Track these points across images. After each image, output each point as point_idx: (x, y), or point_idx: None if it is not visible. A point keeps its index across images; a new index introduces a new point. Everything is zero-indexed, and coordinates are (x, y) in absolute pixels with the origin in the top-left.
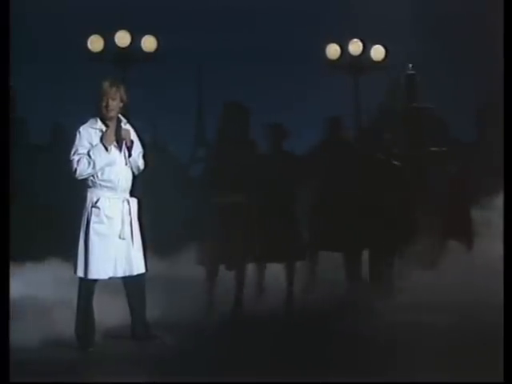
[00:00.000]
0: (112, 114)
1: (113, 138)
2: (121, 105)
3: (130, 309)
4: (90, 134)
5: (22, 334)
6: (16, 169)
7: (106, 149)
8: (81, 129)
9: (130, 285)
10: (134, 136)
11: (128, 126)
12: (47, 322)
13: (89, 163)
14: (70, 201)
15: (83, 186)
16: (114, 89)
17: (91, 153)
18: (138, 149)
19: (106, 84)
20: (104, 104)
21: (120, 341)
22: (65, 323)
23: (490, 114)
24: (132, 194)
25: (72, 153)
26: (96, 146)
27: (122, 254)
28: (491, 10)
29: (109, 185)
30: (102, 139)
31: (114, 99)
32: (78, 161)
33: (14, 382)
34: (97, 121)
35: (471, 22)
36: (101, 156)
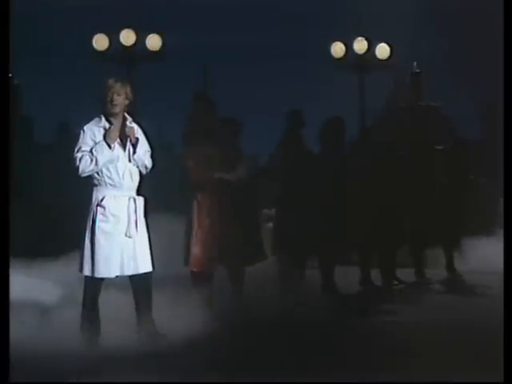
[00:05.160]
0: (116, 109)
1: (116, 135)
2: (126, 102)
3: (136, 307)
4: (93, 132)
5: (23, 334)
6: (21, 168)
7: (109, 146)
8: (85, 127)
9: (137, 283)
10: (140, 134)
11: (133, 124)
12: (50, 321)
13: (91, 160)
14: (76, 200)
15: (89, 184)
16: (119, 84)
17: (94, 150)
18: (144, 147)
19: (111, 80)
20: (109, 99)
21: (125, 339)
22: (69, 323)
23: (496, 112)
24: (139, 193)
25: (75, 150)
26: (99, 143)
27: (128, 253)
28: (497, 8)
29: (113, 182)
30: (105, 136)
31: (119, 94)
32: (81, 158)
33: (14, 382)
34: (101, 119)
35: (476, 20)
36: (103, 153)
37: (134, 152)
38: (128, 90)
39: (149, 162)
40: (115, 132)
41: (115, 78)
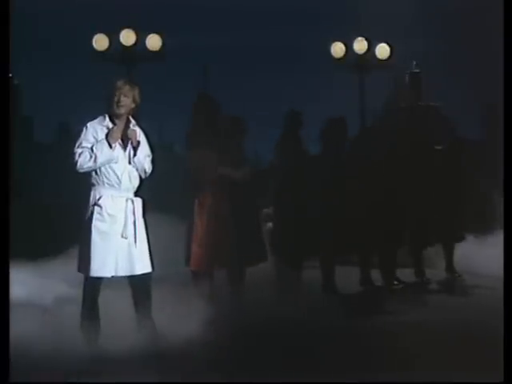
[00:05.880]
0: (122, 110)
1: (118, 135)
2: (133, 105)
3: (135, 308)
4: (96, 130)
5: (23, 333)
6: (21, 168)
7: (110, 145)
8: (88, 124)
9: (135, 284)
10: (142, 138)
11: (136, 128)
12: (50, 321)
13: (90, 157)
14: (76, 200)
15: (87, 184)
16: (127, 86)
17: (94, 147)
18: (145, 151)
19: (120, 81)
20: (116, 99)
21: (125, 339)
22: (69, 322)
23: (496, 112)
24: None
25: (76, 146)
26: (100, 141)
27: (123, 253)
28: (497, 7)
29: (111, 182)
30: (107, 135)
31: (126, 96)
32: (81, 153)
33: (14, 382)
34: (105, 118)
35: (476, 20)
36: (103, 151)
37: (135, 155)
38: (136, 93)
39: (148, 167)
40: (118, 132)
41: (124, 80)
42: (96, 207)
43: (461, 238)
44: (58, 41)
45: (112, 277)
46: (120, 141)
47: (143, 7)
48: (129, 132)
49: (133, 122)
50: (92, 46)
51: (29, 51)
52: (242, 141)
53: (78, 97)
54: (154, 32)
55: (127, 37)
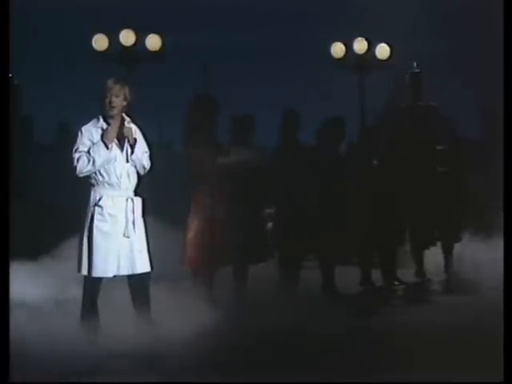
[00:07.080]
0: (115, 111)
1: (114, 135)
2: (124, 103)
3: (134, 307)
4: (91, 132)
5: (23, 333)
6: (21, 168)
7: (107, 146)
8: (82, 128)
9: (134, 283)
10: (138, 135)
11: (132, 125)
12: (50, 321)
13: (88, 160)
14: (76, 200)
15: (87, 184)
16: (118, 86)
17: (91, 150)
18: (142, 147)
19: (110, 81)
20: (107, 101)
21: (125, 338)
22: (68, 323)
23: (496, 112)
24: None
25: (73, 151)
26: (96, 143)
27: (125, 253)
28: (497, 7)
29: (110, 182)
30: (102, 137)
31: (117, 96)
32: (78, 158)
33: (14, 382)
34: (99, 120)
35: (476, 20)
36: (100, 153)
37: (132, 152)
38: (126, 91)
39: (147, 163)
40: (113, 132)
41: (114, 79)
42: (97, 208)
43: (459, 238)
44: (58, 41)
45: (114, 276)
46: (116, 140)
47: (143, 7)
48: (124, 130)
49: (127, 119)
50: (92, 46)
51: (29, 51)
52: (250, 138)
53: (78, 97)
54: (153, 32)
55: (127, 37)
